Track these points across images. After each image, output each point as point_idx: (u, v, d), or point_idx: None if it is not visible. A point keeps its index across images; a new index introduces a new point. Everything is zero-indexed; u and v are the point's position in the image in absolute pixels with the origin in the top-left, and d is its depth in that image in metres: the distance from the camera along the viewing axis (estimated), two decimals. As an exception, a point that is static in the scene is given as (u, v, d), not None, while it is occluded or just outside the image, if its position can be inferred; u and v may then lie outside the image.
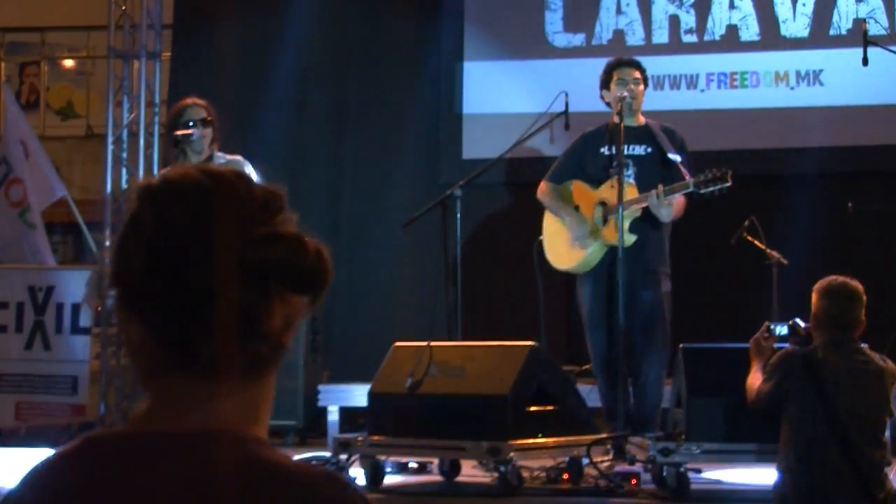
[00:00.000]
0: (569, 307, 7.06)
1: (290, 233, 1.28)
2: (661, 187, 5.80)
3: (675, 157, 6.00)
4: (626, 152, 5.93)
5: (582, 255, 6.05)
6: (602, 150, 6.12)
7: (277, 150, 8.42)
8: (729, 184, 5.65)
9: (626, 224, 5.82)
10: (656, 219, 5.93)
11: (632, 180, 5.94)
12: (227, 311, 1.23)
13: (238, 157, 6.01)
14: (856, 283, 4.44)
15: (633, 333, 5.82)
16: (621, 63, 6.23)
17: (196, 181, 1.28)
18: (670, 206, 5.85)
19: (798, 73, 7.92)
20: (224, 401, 1.25)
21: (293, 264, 1.26)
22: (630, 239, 5.81)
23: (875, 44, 6.32)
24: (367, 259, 8.36)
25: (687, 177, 5.83)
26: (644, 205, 5.86)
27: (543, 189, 6.27)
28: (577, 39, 8.30)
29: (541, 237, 6.34)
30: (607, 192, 6.01)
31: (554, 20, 8.35)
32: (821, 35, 7.94)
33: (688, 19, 8.16)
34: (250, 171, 5.97)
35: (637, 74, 6.16)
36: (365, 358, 7.11)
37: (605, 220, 6.00)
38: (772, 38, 8.01)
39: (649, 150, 6.09)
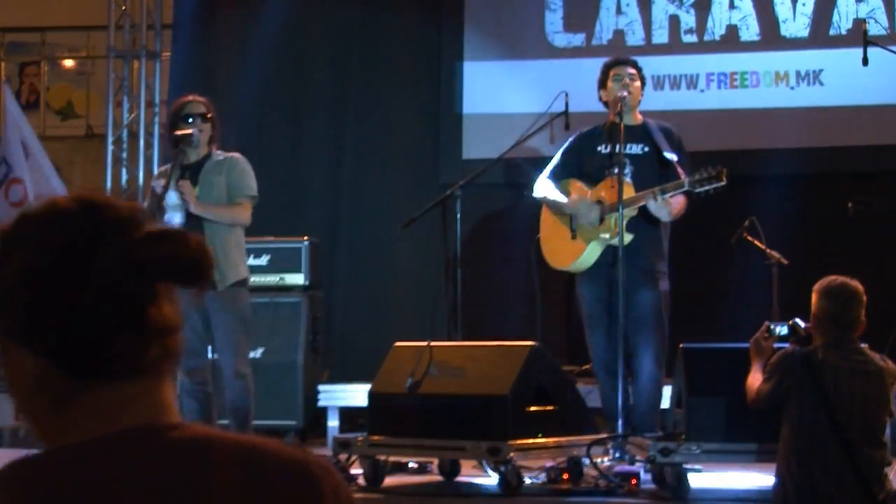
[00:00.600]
0: (568, 307, 7.06)
1: (174, 230, 1.32)
2: (657, 190, 5.79)
3: (672, 157, 5.99)
4: (623, 151, 5.93)
5: (579, 254, 6.03)
6: (599, 148, 6.10)
7: (277, 150, 8.42)
8: (724, 183, 5.64)
9: (624, 223, 5.81)
10: (653, 217, 5.93)
11: (628, 179, 5.93)
12: (126, 316, 1.26)
13: (236, 155, 6.03)
14: (856, 283, 4.44)
15: (631, 333, 5.82)
16: (617, 62, 6.26)
17: (58, 203, 1.31)
18: (669, 206, 5.85)
19: (798, 73, 7.92)
20: (143, 401, 1.28)
21: (182, 258, 1.29)
22: (627, 238, 5.80)
23: (875, 44, 6.32)
24: (367, 259, 8.36)
25: (682, 176, 5.83)
26: (642, 203, 5.85)
27: (541, 186, 6.25)
28: (577, 39, 8.29)
29: (538, 236, 6.33)
30: (604, 191, 6.00)
31: (554, 20, 8.35)
32: (821, 35, 7.93)
33: (688, 19, 8.16)
34: (246, 168, 6.00)
35: (632, 71, 6.17)
36: (365, 358, 7.11)
37: (602, 220, 5.99)
38: (772, 38, 8.01)
39: (646, 149, 6.08)
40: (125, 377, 1.27)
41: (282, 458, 1.27)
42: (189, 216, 5.83)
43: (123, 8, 8.97)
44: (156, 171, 8.65)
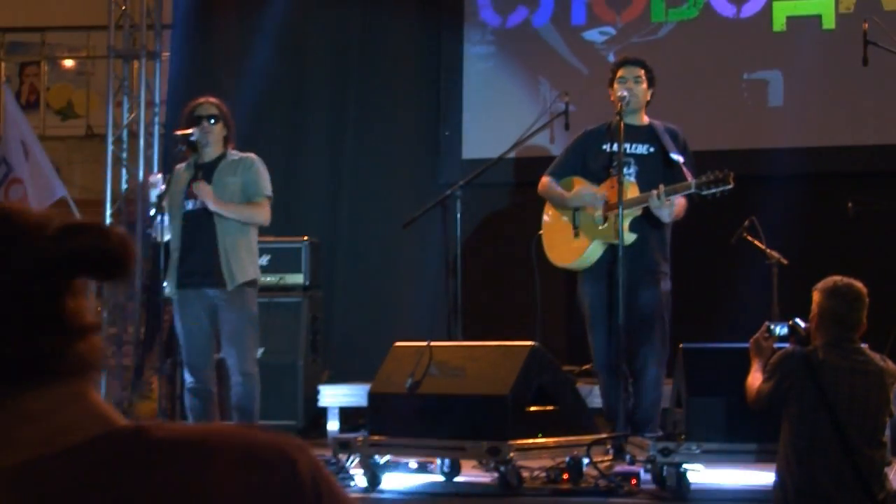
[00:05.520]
0: (569, 306, 7.06)
1: (92, 222, 1.25)
2: (661, 187, 5.77)
3: (678, 158, 5.97)
4: (628, 151, 5.92)
5: (581, 252, 6.02)
6: (604, 147, 6.10)
7: (277, 150, 8.41)
8: (731, 186, 5.62)
9: (627, 223, 5.81)
10: (657, 218, 5.92)
11: (633, 179, 5.92)
12: (44, 314, 1.21)
13: (252, 156, 6.06)
14: (861, 285, 4.44)
15: (633, 333, 5.81)
16: (625, 62, 6.20)
17: None
18: (671, 207, 5.83)
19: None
20: (75, 405, 1.22)
21: (101, 250, 1.23)
22: (630, 237, 5.80)
23: (875, 44, 6.31)
24: (367, 259, 8.36)
25: (689, 177, 5.81)
26: (645, 203, 5.84)
27: (545, 183, 6.23)
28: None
29: (539, 234, 6.32)
30: (608, 190, 5.99)
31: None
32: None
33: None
34: (262, 168, 6.03)
35: (639, 73, 6.11)
36: (365, 358, 7.11)
37: (606, 218, 5.98)
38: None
39: (652, 149, 6.06)
40: (49, 381, 1.21)
41: (258, 445, 1.26)
42: (201, 215, 5.85)
43: (123, 8, 8.98)
44: (156, 171, 8.65)
